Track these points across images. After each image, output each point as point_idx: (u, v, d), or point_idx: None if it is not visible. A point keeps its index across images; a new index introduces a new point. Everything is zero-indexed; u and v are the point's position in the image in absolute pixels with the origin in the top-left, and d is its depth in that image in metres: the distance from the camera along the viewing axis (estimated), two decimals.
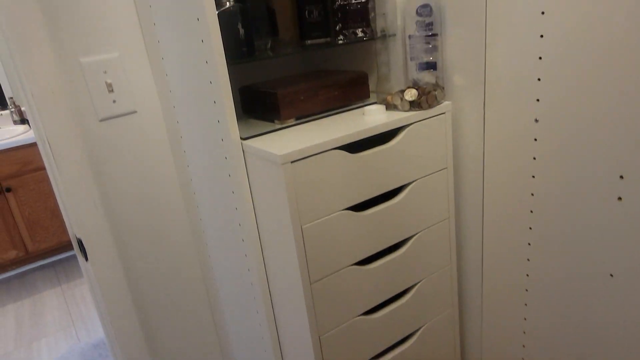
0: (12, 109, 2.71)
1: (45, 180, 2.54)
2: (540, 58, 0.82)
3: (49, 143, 1.01)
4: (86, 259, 1.12)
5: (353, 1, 1.00)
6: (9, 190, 2.46)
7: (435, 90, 0.95)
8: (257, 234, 0.95)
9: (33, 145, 2.46)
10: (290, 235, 0.83)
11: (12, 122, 2.74)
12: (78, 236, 1.10)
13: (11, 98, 2.74)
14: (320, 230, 0.86)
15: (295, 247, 0.84)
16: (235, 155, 0.88)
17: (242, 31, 0.89)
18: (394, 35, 1.02)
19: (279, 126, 0.94)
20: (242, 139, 0.89)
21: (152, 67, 1.08)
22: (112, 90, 1.06)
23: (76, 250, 1.16)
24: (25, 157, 2.47)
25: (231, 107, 0.85)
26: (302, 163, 0.81)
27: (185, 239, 1.24)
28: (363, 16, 1.01)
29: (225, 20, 0.86)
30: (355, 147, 0.87)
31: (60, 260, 2.87)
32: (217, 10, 0.82)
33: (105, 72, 1.05)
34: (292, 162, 0.79)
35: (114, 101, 1.07)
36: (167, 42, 0.99)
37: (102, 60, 1.04)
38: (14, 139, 2.41)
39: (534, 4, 0.80)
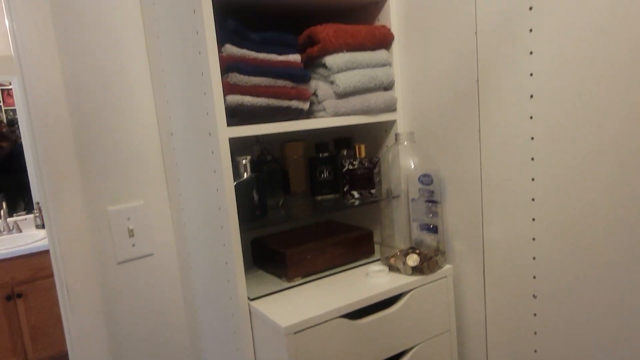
0: (37, 214, 2.84)
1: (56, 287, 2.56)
2: (533, 239, 0.87)
3: (67, 288, 1.06)
4: None
5: (360, 166, 1.09)
6: (19, 296, 2.49)
7: (436, 255, 1.00)
8: None
9: (44, 252, 2.53)
10: None
11: (34, 226, 2.85)
12: None
13: (37, 203, 2.88)
14: None
15: None
16: (242, 315, 0.91)
17: (256, 197, 0.97)
18: (398, 196, 1.10)
19: (286, 285, 0.98)
20: (250, 299, 0.92)
21: (172, 215, 1.16)
22: (132, 235, 1.14)
23: None
24: (40, 263, 2.53)
25: (241, 270, 0.90)
26: (306, 333, 0.83)
27: None
28: (369, 180, 1.10)
29: (242, 189, 0.95)
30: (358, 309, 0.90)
31: None
32: (235, 181, 0.91)
33: (128, 219, 1.13)
34: (295, 332, 0.82)
35: (133, 245, 1.14)
36: (188, 197, 1.08)
37: (127, 208, 1.12)
38: (32, 245, 2.49)
39: (525, 191, 0.87)
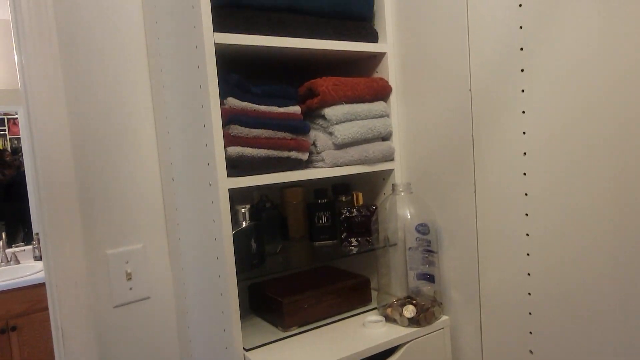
0: (36, 245, 2.83)
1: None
2: (529, 294, 0.87)
3: (62, 330, 1.06)
4: None
5: (358, 214, 1.10)
6: (14, 329, 2.46)
7: (433, 306, 1.00)
8: None
9: (42, 284, 2.51)
10: None
11: (32, 257, 2.84)
12: None
13: (37, 234, 2.88)
14: None
15: None
16: None
17: (254, 246, 0.98)
18: (395, 244, 1.10)
19: (282, 335, 0.98)
20: (245, 349, 0.92)
21: (171, 259, 1.17)
22: (130, 279, 1.14)
23: None
24: (36, 296, 2.51)
25: (237, 321, 0.90)
26: None
27: None
28: (367, 227, 1.11)
29: (240, 238, 0.96)
30: None
31: None
32: (234, 229, 0.92)
33: (127, 262, 1.14)
34: None
35: (131, 288, 1.14)
36: (187, 242, 1.08)
37: (126, 251, 1.13)
38: (29, 278, 2.48)
39: (520, 245, 0.88)
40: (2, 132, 3.02)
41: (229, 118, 0.91)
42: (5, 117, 3.03)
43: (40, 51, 1.04)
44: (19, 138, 3.05)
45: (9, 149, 3.05)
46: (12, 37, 1.05)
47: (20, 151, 3.03)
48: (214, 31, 0.87)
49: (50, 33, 1.05)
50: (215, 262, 0.93)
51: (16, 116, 3.01)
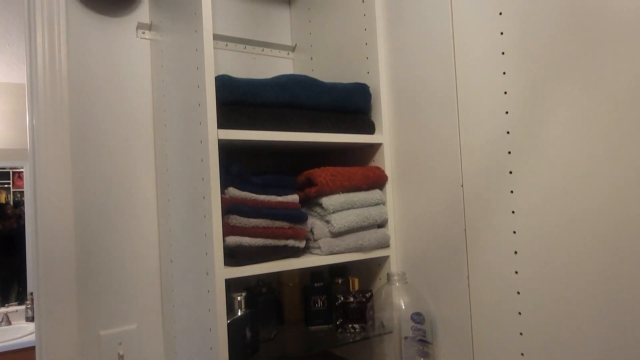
0: (29, 305, 2.79)
1: None
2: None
3: None
4: None
5: (354, 300, 1.11)
6: None
7: None
8: None
9: (33, 348, 2.45)
10: None
11: (25, 318, 2.79)
12: None
13: (31, 294, 2.84)
14: None
15: None
16: None
17: (248, 335, 0.98)
18: (391, 332, 1.10)
19: None
20: None
21: (165, 342, 1.16)
22: None
23: None
24: (25, 359, 2.44)
25: None
26: None
27: None
28: (362, 314, 1.10)
29: (235, 327, 0.96)
30: None
31: None
32: (229, 317, 0.93)
33: (120, 344, 1.13)
34: None
35: None
36: (181, 326, 1.08)
37: (120, 332, 1.12)
38: (19, 341, 2.43)
39: (514, 345, 0.88)
40: (6, 185, 3.07)
41: (229, 208, 0.94)
42: (10, 171, 3.09)
43: (51, 115, 1.08)
44: (22, 192, 3.09)
45: (12, 202, 3.08)
46: (26, 100, 1.10)
47: (23, 204, 3.07)
48: (218, 127, 0.92)
49: (62, 98, 1.10)
50: (208, 352, 0.92)
51: (21, 169, 3.07)
